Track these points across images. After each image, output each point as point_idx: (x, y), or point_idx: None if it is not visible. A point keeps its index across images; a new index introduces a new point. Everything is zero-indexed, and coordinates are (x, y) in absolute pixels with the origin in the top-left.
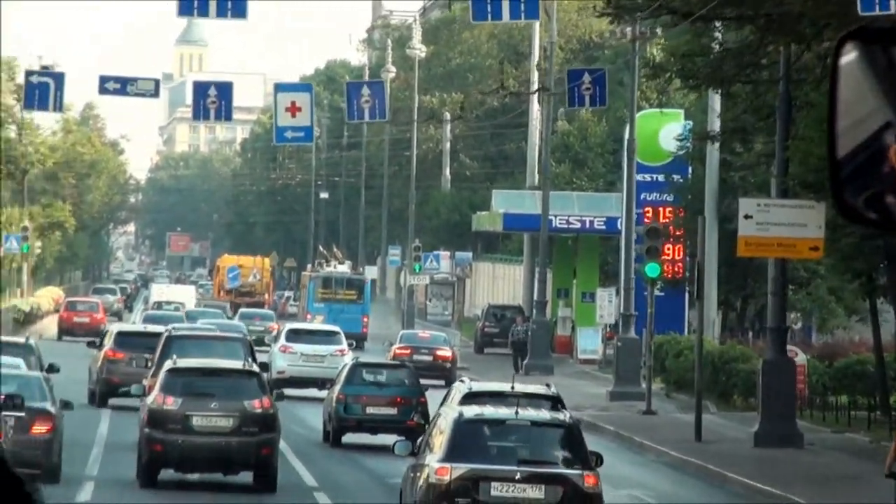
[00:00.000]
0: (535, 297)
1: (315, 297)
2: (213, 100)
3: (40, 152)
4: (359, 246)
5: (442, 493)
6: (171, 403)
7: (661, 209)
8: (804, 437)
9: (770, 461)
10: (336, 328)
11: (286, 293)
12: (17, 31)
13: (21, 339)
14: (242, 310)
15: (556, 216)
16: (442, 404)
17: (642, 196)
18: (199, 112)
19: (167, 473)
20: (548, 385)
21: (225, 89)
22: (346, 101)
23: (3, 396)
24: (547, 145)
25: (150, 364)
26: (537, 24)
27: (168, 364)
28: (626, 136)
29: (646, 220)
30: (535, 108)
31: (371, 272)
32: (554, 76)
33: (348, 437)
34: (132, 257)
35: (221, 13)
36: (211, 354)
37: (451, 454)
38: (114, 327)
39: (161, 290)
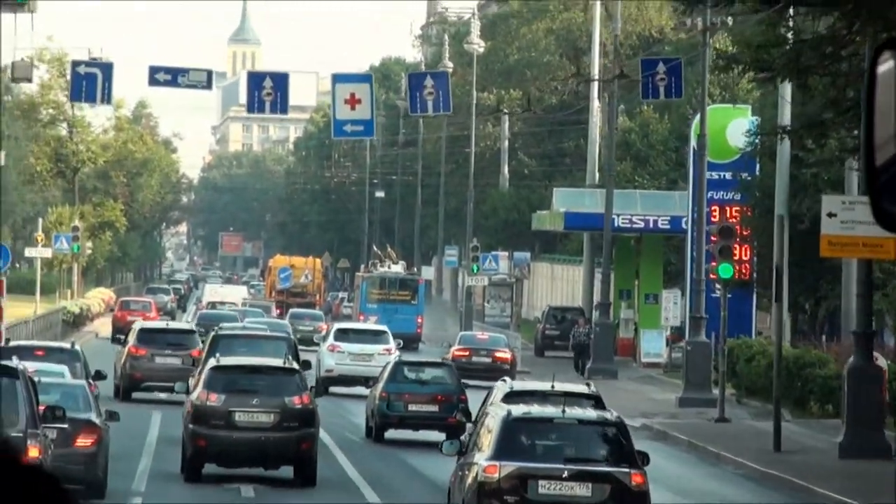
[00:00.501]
0: (598, 299)
1: (368, 298)
2: (268, 92)
3: (91, 150)
4: (414, 246)
5: (491, 492)
6: (215, 400)
7: (728, 207)
8: (892, 447)
9: (859, 474)
10: (383, 328)
11: (340, 294)
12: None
13: (66, 345)
14: (293, 310)
15: (618, 215)
16: (484, 403)
17: (709, 194)
18: (254, 104)
19: (211, 467)
20: (588, 384)
21: (280, 81)
22: (409, 93)
23: (43, 407)
24: (612, 141)
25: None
26: (598, 18)
27: (212, 362)
28: (692, 132)
29: (713, 219)
30: (596, 105)
31: (427, 273)
32: (616, 70)
33: (391, 434)
34: (182, 257)
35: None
36: (256, 353)
37: (500, 452)
38: (137, 324)
39: (214, 290)
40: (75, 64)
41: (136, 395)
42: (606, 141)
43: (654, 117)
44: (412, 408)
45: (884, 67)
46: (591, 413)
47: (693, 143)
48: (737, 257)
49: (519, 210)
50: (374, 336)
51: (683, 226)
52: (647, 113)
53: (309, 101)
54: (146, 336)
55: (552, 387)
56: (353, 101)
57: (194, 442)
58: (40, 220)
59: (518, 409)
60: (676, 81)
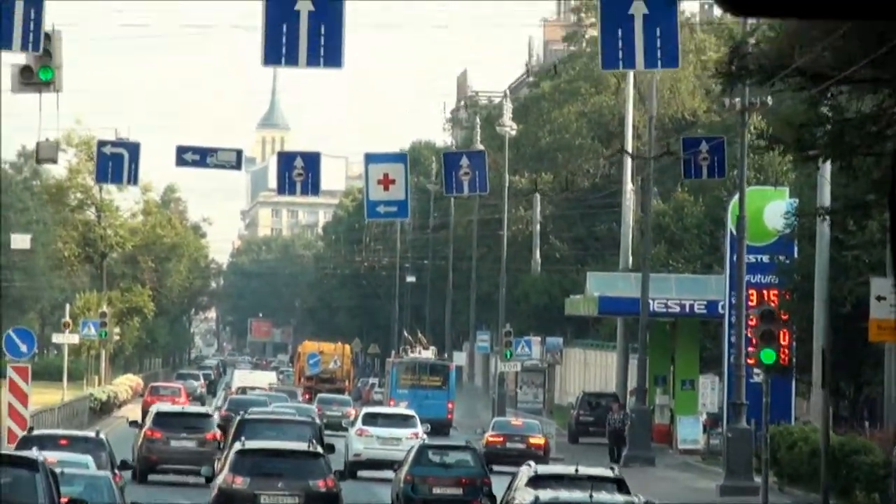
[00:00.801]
0: (633, 385)
1: (399, 384)
2: (299, 172)
3: (120, 235)
4: (445, 331)
5: None
6: (240, 483)
7: (766, 291)
8: None
9: None
10: (411, 412)
11: (370, 380)
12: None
13: (91, 433)
14: (320, 395)
15: (653, 299)
16: (509, 488)
17: (747, 278)
18: (285, 186)
19: None
20: (612, 468)
21: (311, 161)
22: (444, 173)
23: (66, 500)
24: (648, 224)
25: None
26: (631, 100)
27: (237, 446)
28: (729, 214)
29: (750, 303)
30: (629, 188)
31: (459, 358)
32: (650, 151)
33: None
34: (210, 343)
35: (313, 60)
36: (281, 437)
37: None
38: (153, 407)
39: (242, 376)
40: (101, 144)
41: (152, 477)
42: (640, 224)
43: (689, 200)
44: (436, 491)
45: None
46: (618, 498)
47: (730, 225)
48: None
49: (551, 295)
50: (403, 420)
51: (720, 310)
52: (682, 196)
53: (338, 186)
54: (162, 419)
55: (576, 471)
56: (386, 182)
57: None
58: (67, 305)
59: (546, 495)
60: (719, 160)
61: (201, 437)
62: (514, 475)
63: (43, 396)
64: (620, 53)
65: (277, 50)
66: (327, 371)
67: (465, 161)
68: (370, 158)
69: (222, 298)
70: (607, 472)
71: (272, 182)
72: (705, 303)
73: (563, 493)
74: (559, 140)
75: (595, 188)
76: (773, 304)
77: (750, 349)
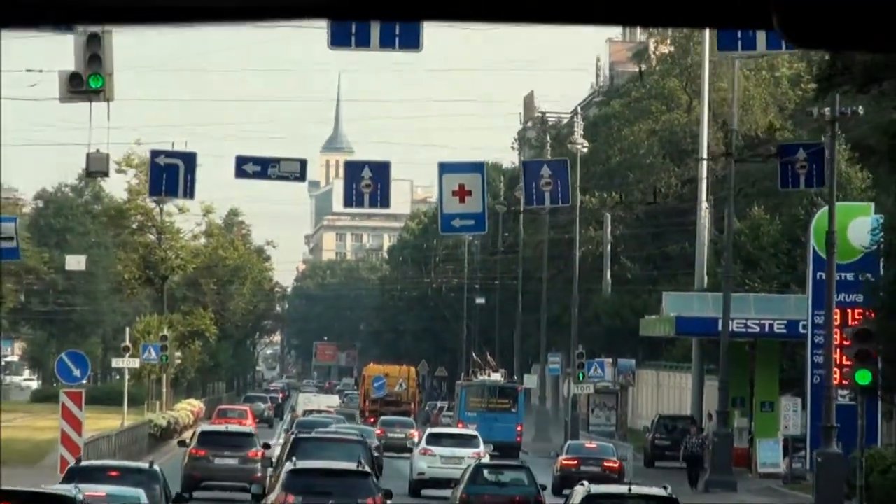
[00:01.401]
0: (709, 407)
1: (468, 406)
2: (367, 183)
3: (181, 257)
4: (514, 353)
5: None
6: (292, 501)
7: (850, 310)
8: None
9: None
10: (474, 432)
11: (439, 403)
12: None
13: (144, 465)
14: (383, 417)
15: (732, 320)
16: None
17: None
18: (352, 197)
19: None
20: (665, 487)
21: (381, 171)
22: (524, 184)
23: None
24: (729, 241)
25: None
26: (706, 119)
27: (288, 465)
28: (811, 231)
29: (834, 322)
30: (704, 207)
31: (529, 381)
32: (720, 171)
33: None
34: (273, 367)
35: (387, 41)
36: (333, 456)
37: None
38: (199, 427)
39: (308, 399)
40: (154, 154)
41: (198, 494)
42: (715, 243)
43: (765, 218)
44: None
45: None
46: (653, 490)
47: (812, 242)
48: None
49: (622, 316)
50: (465, 440)
51: (801, 330)
52: (758, 214)
53: (403, 209)
54: (206, 438)
55: (629, 490)
56: (462, 193)
57: None
58: (127, 329)
59: (597, 488)
60: (818, 169)
61: (244, 455)
62: (568, 495)
63: (103, 422)
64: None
65: (346, 29)
66: (393, 394)
67: (546, 171)
68: (444, 168)
69: (287, 322)
70: (660, 492)
71: (336, 205)
72: (785, 322)
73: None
74: (630, 159)
75: (667, 207)
76: (856, 324)
77: (842, 369)
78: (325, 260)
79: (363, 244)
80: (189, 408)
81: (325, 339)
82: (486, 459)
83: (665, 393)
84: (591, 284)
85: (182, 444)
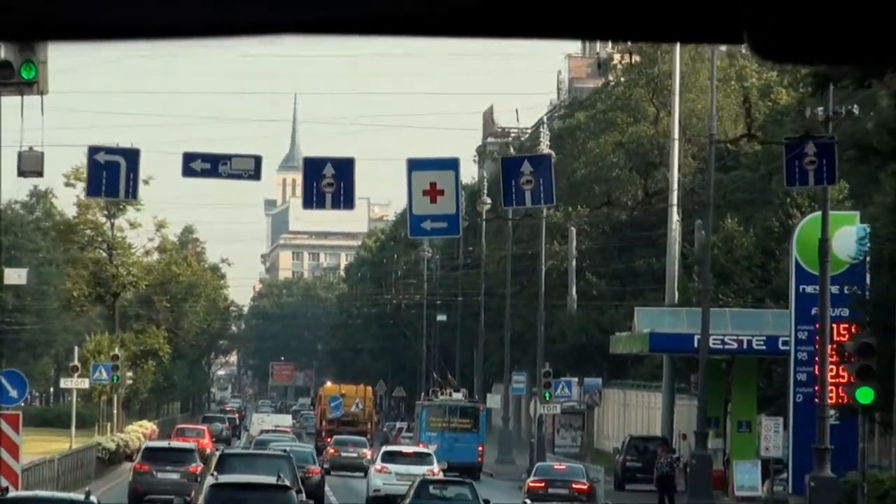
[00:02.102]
0: (694, 427)
1: (428, 426)
2: (329, 181)
3: (133, 274)
4: (474, 372)
5: None
6: None
7: (835, 325)
8: None
9: None
10: (429, 451)
11: (398, 424)
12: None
13: (79, 496)
14: (336, 436)
15: (709, 336)
16: None
17: (813, 311)
18: (312, 197)
19: None
20: None
21: (344, 169)
22: (503, 182)
23: None
24: (708, 252)
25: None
26: (677, 126)
27: (210, 480)
28: (794, 241)
29: (817, 337)
30: (675, 220)
31: (493, 401)
32: (687, 185)
33: None
34: (224, 387)
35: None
36: (256, 471)
37: None
38: (144, 444)
39: (261, 419)
40: (93, 151)
41: None
42: (689, 257)
43: (738, 231)
44: None
45: None
46: None
47: (794, 254)
48: (843, 380)
49: (587, 333)
50: (420, 458)
51: (781, 346)
52: (731, 226)
53: (360, 228)
54: (150, 454)
55: None
56: (433, 193)
57: None
58: (76, 348)
59: None
60: (829, 165)
61: (185, 470)
62: None
63: (52, 445)
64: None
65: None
66: (349, 414)
67: (527, 167)
68: (414, 165)
69: (243, 342)
70: None
71: (293, 225)
72: (765, 339)
73: None
74: (595, 172)
75: (634, 223)
76: (841, 340)
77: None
78: (281, 279)
79: (320, 263)
80: (140, 430)
81: (282, 358)
82: (440, 476)
83: (633, 413)
84: (556, 300)
85: (128, 458)
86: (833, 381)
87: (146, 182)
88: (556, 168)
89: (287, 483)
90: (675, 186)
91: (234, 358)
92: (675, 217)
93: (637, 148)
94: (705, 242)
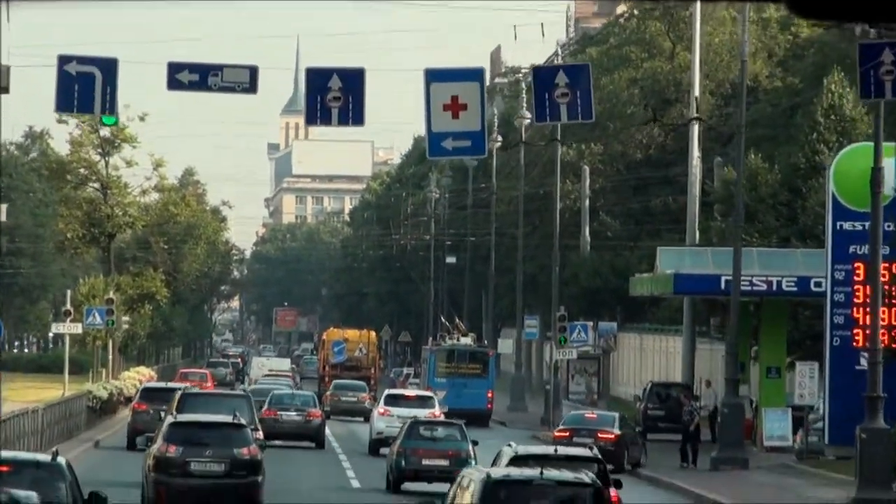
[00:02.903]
0: (724, 373)
1: (436, 372)
2: (335, 94)
3: (129, 214)
4: (483, 317)
5: None
6: (173, 451)
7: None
8: None
9: None
10: (430, 394)
11: (405, 370)
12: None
13: (44, 457)
14: (336, 381)
15: (731, 276)
16: (493, 465)
17: (850, 249)
18: (316, 113)
19: None
20: (590, 448)
21: (352, 81)
22: (535, 95)
23: None
24: (739, 185)
25: (164, 416)
26: (698, 57)
27: (169, 419)
28: (830, 174)
29: (855, 276)
30: (696, 155)
31: (505, 346)
32: (706, 114)
33: (407, 486)
34: (221, 333)
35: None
36: (217, 410)
37: None
38: (142, 385)
39: (261, 363)
40: (63, 61)
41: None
42: (712, 194)
43: (763, 167)
44: (425, 462)
45: None
46: (567, 475)
47: (832, 188)
48: (885, 322)
49: (601, 275)
50: (422, 401)
51: (813, 287)
52: (755, 162)
53: (364, 171)
54: (147, 394)
55: (555, 451)
56: (455, 108)
57: (156, 489)
58: (69, 292)
59: (497, 472)
60: None
61: None
62: (497, 454)
63: (46, 392)
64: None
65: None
66: (353, 359)
67: (562, 78)
68: (433, 76)
69: (246, 287)
70: (587, 453)
71: (296, 168)
72: (796, 279)
73: (514, 471)
74: (609, 109)
75: (650, 161)
76: (884, 280)
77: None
78: (284, 223)
79: (324, 207)
80: (137, 376)
81: (286, 304)
82: (417, 415)
83: (650, 358)
84: (568, 241)
85: (128, 400)
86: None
87: (142, 119)
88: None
89: (242, 422)
90: (697, 128)
91: (236, 303)
92: (695, 152)
93: (653, 85)
94: (736, 176)
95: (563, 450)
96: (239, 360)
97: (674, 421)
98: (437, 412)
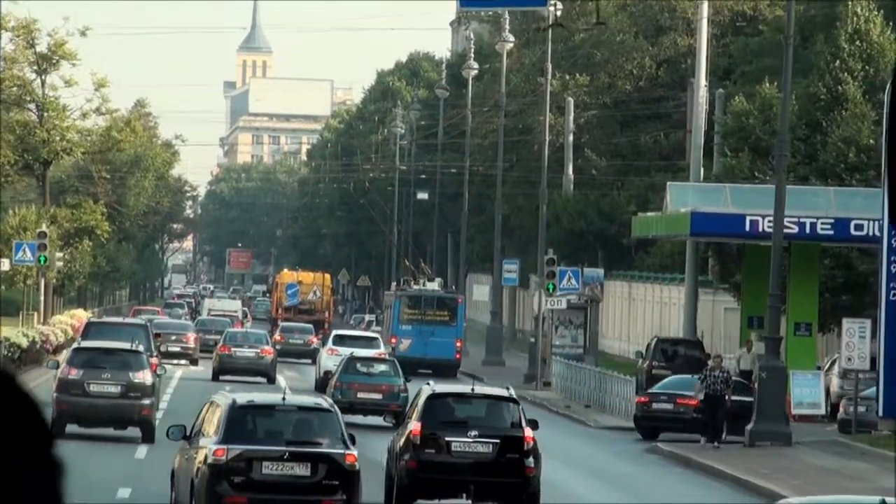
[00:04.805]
0: (764, 330)
1: (401, 319)
2: None
3: (67, 139)
4: (450, 261)
5: (219, 473)
6: (75, 374)
7: None
8: None
9: None
10: (375, 335)
11: (367, 317)
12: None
13: None
14: (283, 324)
15: (762, 217)
16: (412, 403)
17: None
18: None
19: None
20: (507, 388)
21: None
22: None
23: None
24: (787, 87)
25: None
26: None
27: (74, 345)
28: (886, 101)
29: None
30: (703, 84)
31: (481, 292)
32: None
33: (345, 418)
34: (176, 271)
35: None
36: (118, 338)
37: (227, 437)
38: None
39: (212, 304)
40: None
41: None
42: (721, 124)
43: (778, 97)
44: (361, 396)
45: None
46: (307, 400)
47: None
48: None
49: (586, 217)
50: (367, 341)
51: (853, 230)
52: (769, 92)
53: (323, 111)
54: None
55: (472, 390)
56: None
57: (59, 407)
58: None
59: (242, 398)
60: None
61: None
62: (417, 393)
63: None
64: None
65: None
66: (306, 302)
67: None
68: None
69: (199, 227)
70: (503, 392)
71: (253, 107)
72: (832, 221)
73: (258, 395)
74: (596, 37)
75: (640, 93)
76: None
77: None
78: (240, 163)
79: (281, 147)
80: (69, 321)
81: (240, 245)
82: (352, 352)
83: (640, 308)
84: (550, 180)
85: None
86: None
87: (83, 34)
88: (551, 34)
89: (140, 349)
90: (704, 45)
91: (189, 244)
92: (702, 81)
93: (644, 10)
94: (757, 104)
95: (480, 388)
96: (193, 301)
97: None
98: (382, 352)
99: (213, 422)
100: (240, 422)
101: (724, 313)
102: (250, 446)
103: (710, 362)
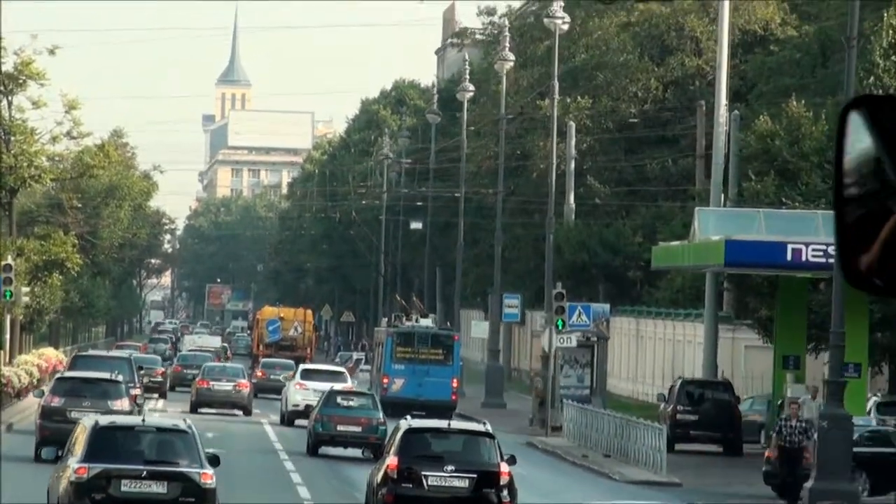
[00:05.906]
0: (827, 375)
1: (394, 357)
2: None
3: (35, 165)
4: (438, 296)
5: (80, 490)
6: (57, 402)
7: None
8: None
9: None
10: (342, 369)
11: (354, 354)
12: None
13: None
14: (264, 360)
15: (807, 245)
16: (391, 436)
17: None
18: None
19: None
20: (483, 423)
21: None
22: None
23: None
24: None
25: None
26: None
27: (57, 375)
28: None
29: None
30: (723, 104)
31: (479, 329)
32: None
33: (324, 450)
34: (154, 308)
35: None
36: (101, 370)
37: (89, 456)
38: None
39: (192, 340)
40: None
41: None
42: (745, 149)
43: (807, 117)
44: (340, 428)
45: (852, 126)
46: (167, 422)
47: None
48: None
49: (588, 248)
50: (334, 375)
51: None
52: (797, 111)
53: (303, 144)
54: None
55: (448, 425)
56: None
57: (42, 433)
58: None
59: (105, 419)
60: None
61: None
62: (395, 427)
63: None
64: None
65: None
66: (287, 338)
67: None
68: None
69: (177, 262)
70: (479, 427)
71: (232, 140)
72: None
73: (121, 418)
74: (598, 57)
75: (646, 116)
76: None
77: None
78: (219, 197)
79: (261, 180)
80: (36, 360)
81: (219, 280)
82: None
83: (649, 347)
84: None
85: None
86: None
87: (52, 52)
88: (549, 53)
89: (119, 378)
90: (725, 61)
91: (167, 280)
92: (723, 100)
93: (649, 29)
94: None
95: (456, 424)
96: (173, 337)
97: (711, 428)
98: (350, 386)
99: (80, 442)
100: (102, 442)
101: (744, 351)
102: (110, 465)
103: (785, 410)
